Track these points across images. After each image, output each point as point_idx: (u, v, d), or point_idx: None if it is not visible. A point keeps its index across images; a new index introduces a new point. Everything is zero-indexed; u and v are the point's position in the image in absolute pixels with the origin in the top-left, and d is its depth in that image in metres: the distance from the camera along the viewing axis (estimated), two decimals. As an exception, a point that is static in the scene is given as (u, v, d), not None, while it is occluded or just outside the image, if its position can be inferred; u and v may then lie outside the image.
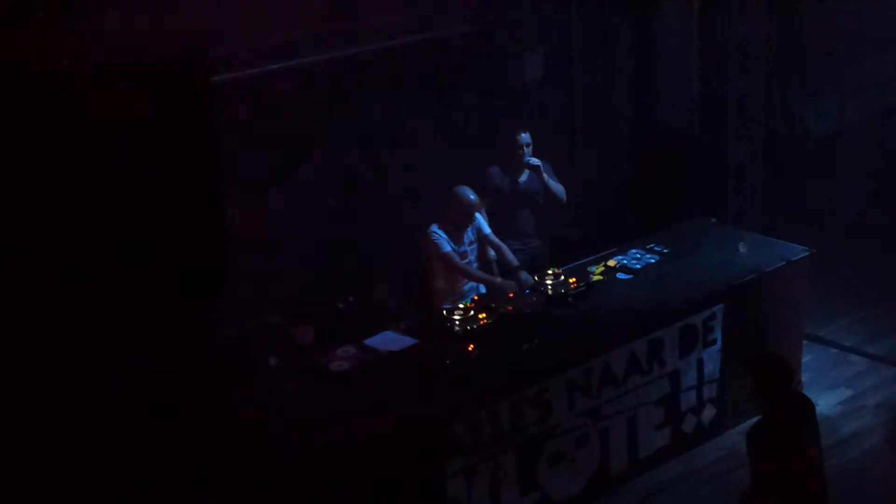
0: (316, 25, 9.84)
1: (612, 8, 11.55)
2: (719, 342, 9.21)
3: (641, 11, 11.75)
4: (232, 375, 7.32)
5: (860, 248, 11.80)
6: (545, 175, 10.01)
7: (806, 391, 9.22)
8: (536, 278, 9.25)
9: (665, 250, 9.79)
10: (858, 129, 12.07)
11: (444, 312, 8.78)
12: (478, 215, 9.49)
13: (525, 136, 9.95)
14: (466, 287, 9.50)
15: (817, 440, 7.00)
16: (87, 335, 5.85)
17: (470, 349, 8.52)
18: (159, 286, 6.00)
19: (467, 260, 9.48)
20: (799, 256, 9.62)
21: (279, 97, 9.63)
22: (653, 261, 9.65)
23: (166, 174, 6.07)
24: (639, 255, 9.72)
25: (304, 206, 9.90)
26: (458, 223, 9.39)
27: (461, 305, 8.80)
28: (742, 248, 9.72)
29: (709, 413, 9.32)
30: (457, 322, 8.66)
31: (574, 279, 9.20)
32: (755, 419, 7.00)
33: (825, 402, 9.66)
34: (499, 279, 9.47)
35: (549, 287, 9.11)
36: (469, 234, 9.48)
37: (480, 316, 8.72)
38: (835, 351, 10.62)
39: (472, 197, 9.34)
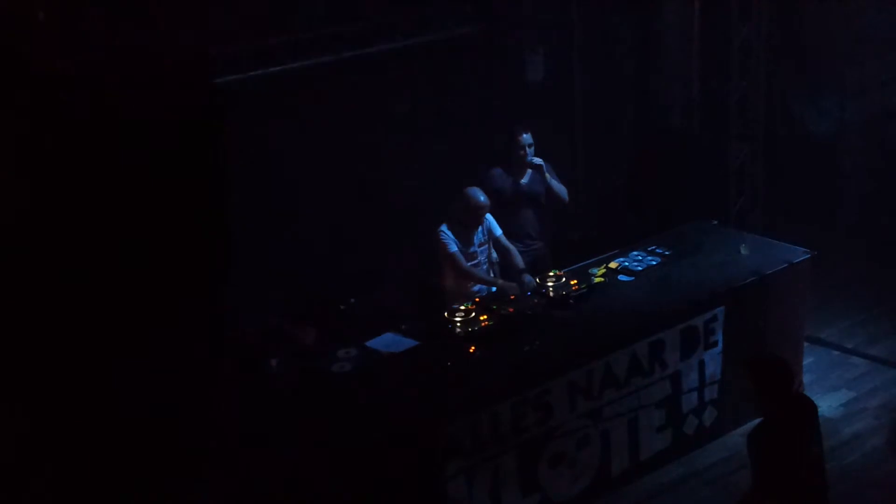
0: (317, 27, 9.84)
1: (613, 8, 11.55)
2: (720, 344, 9.20)
3: (642, 12, 11.77)
4: (233, 376, 7.30)
5: (861, 249, 11.78)
6: (547, 175, 10.00)
7: (807, 393, 9.19)
8: (538, 280, 9.24)
9: (666, 252, 9.78)
10: (859, 129, 12.06)
11: (446, 314, 8.76)
12: (489, 217, 9.50)
13: (527, 137, 9.94)
14: (476, 288, 9.50)
15: (819, 442, 6.99)
16: (87, 335, 5.85)
17: (471, 351, 8.51)
18: (159, 286, 6.00)
19: (476, 261, 9.48)
20: (800, 258, 9.61)
21: (280, 98, 9.62)
22: (654, 263, 9.64)
23: (166, 174, 6.07)
24: (640, 257, 9.71)
25: (305, 207, 9.90)
26: (466, 224, 9.40)
27: (462, 307, 8.78)
28: (743, 250, 9.71)
29: (710, 415, 9.31)
30: (458, 324, 8.65)
31: (575, 281, 9.19)
32: (756, 421, 6.98)
33: (826, 404, 9.65)
34: (500, 281, 9.46)
35: (551, 289, 9.11)
36: (479, 236, 9.48)
37: (482, 317, 8.71)
38: (836, 353, 10.61)
39: (481, 198, 9.34)
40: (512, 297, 9.12)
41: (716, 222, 10.40)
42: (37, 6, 5.80)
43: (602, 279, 9.36)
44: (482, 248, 9.54)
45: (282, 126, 9.66)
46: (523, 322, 8.80)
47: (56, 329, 5.80)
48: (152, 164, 6.00)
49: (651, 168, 11.88)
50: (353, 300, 9.58)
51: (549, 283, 9.14)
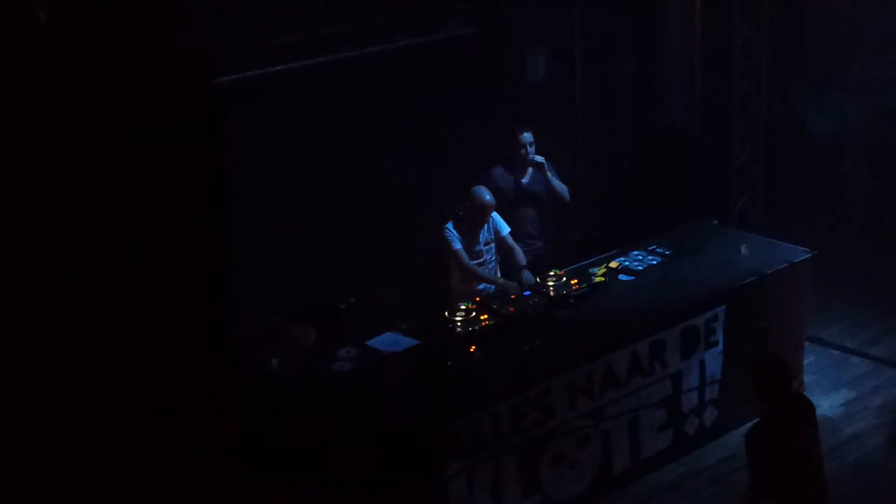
0: (317, 28, 9.84)
1: (614, 8, 11.55)
2: (721, 344, 9.20)
3: (643, 12, 11.76)
4: (233, 376, 7.30)
5: (863, 249, 11.78)
6: (549, 173, 10.01)
7: (808, 393, 9.22)
8: (538, 279, 9.24)
9: (667, 252, 9.79)
10: (860, 129, 12.05)
11: (446, 313, 8.76)
12: (496, 216, 9.51)
13: (527, 136, 9.96)
14: (481, 287, 9.51)
15: (817, 441, 6.98)
16: (87, 335, 5.84)
17: (472, 350, 8.51)
18: (159, 286, 6.00)
19: (482, 259, 9.51)
20: (801, 258, 9.62)
21: (280, 98, 9.62)
22: (655, 262, 9.65)
23: (166, 174, 6.07)
24: (641, 257, 9.72)
25: (305, 206, 9.90)
26: (471, 223, 9.42)
27: (463, 306, 8.78)
28: (744, 250, 9.71)
29: (710, 414, 9.31)
30: (458, 323, 8.65)
31: (576, 280, 9.20)
32: (755, 420, 6.98)
33: (827, 404, 9.65)
34: (502, 280, 9.48)
35: (551, 288, 9.11)
36: (485, 234, 9.51)
37: (482, 317, 8.72)
38: (837, 353, 10.61)
39: (487, 197, 9.37)
40: (513, 296, 9.13)
41: (716, 222, 10.40)
42: (38, 6, 5.80)
43: (602, 279, 9.36)
44: (488, 247, 9.56)
45: (282, 126, 9.67)
46: (524, 321, 8.81)
47: (56, 329, 5.79)
48: (152, 164, 5.99)
49: (652, 168, 11.88)
50: (353, 299, 9.58)
51: (550, 283, 9.15)
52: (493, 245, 9.60)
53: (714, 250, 9.83)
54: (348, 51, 9.93)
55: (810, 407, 7.06)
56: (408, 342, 8.61)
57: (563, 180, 10.17)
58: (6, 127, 5.71)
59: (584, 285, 9.18)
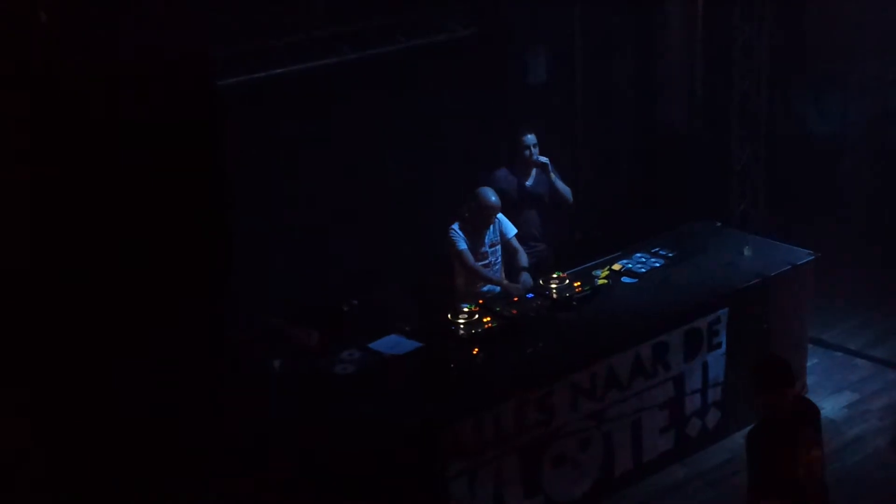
0: (318, 29, 9.83)
1: (614, 8, 11.53)
2: (724, 346, 9.18)
3: (643, 12, 11.74)
4: (234, 377, 7.29)
5: (865, 250, 11.75)
6: (552, 174, 10.00)
7: (811, 395, 9.20)
8: (541, 282, 9.23)
9: (670, 254, 9.77)
10: (862, 130, 12.03)
11: (449, 316, 8.75)
12: (502, 218, 9.50)
13: (531, 137, 9.96)
14: (486, 288, 9.50)
15: (819, 444, 6.95)
16: (87, 335, 5.84)
17: (474, 352, 8.50)
18: (159, 286, 5.99)
19: (487, 261, 9.51)
20: (804, 260, 9.60)
21: (281, 100, 9.61)
22: (657, 265, 9.63)
23: (167, 175, 6.06)
24: (643, 259, 9.70)
25: (306, 208, 9.88)
26: (477, 224, 9.42)
27: (465, 308, 8.77)
28: (747, 252, 9.70)
29: (713, 416, 9.29)
30: (461, 325, 8.64)
31: (579, 283, 9.18)
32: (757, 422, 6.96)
33: (830, 406, 9.63)
34: (505, 282, 9.47)
35: (554, 291, 9.09)
36: (491, 236, 9.50)
37: (485, 319, 8.70)
38: (840, 355, 10.59)
39: (492, 199, 9.37)
40: (515, 298, 9.11)
41: (719, 224, 10.38)
42: (38, 6, 5.79)
43: (605, 281, 9.35)
44: (493, 249, 9.56)
45: (283, 127, 9.65)
46: (526, 324, 8.80)
47: (56, 329, 5.79)
48: (152, 164, 5.99)
49: (652, 168, 11.87)
50: (355, 301, 9.56)
51: (553, 285, 9.13)
52: (498, 247, 9.59)
53: (717, 252, 9.81)
54: (349, 52, 9.91)
55: (814, 410, 7.03)
56: (410, 345, 8.61)
57: (563, 181, 10.15)
58: (6, 127, 5.71)
59: (587, 287, 9.17)
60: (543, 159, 9.98)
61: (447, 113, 10.55)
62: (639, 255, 9.77)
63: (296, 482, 7.25)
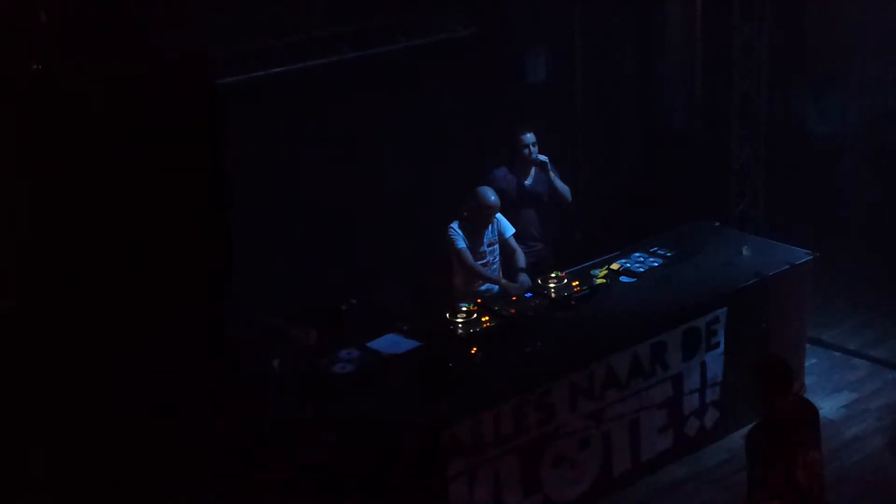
0: (317, 28, 9.83)
1: (614, 8, 11.54)
2: (722, 345, 9.18)
3: (643, 12, 11.74)
4: (234, 377, 7.30)
5: (864, 250, 11.75)
6: (552, 174, 10.00)
7: (809, 395, 9.19)
8: (539, 281, 9.23)
9: (668, 253, 9.77)
10: (862, 129, 12.03)
11: (448, 315, 8.75)
12: (501, 217, 9.50)
13: (530, 136, 9.95)
14: (484, 287, 9.50)
15: (818, 444, 6.95)
16: (87, 335, 5.84)
17: (473, 352, 8.50)
18: (159, 286, 5.99)
19: (485, 260, 9.50)
20: (802, 260, 9.60)
21: (281, 99, 9.61)
22: (656, 264, 9.63)
23: (167, 175, 6.06)
24: (642, 259, 9.70)
25: (305, 207, 9.89)
26: (475, 223, 9.42)
27: (464, 308, 8.77)
28: (745, 252, 9.70)
29: (711, 416, 9.29)
30: (460, 325, 8.64)
31: (577, 282, 9.18)
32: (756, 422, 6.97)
33: (828, 406, 9.63)
34: (504, 281, 9.47)
35: (553, 290, 9.10)
36: (489, 235, 9.50)
37: (483, 319, 8.70)
38: (838, 354, 10.59)
39: (491, 198, 9.36)
40: (514, 297, 9.11)
41: (718, 223, 10.38)
42: (38, 6, 5.80)
43: (604, 280, 9.34)
44: (492, 248, 9.55)
45: (282, 127, 9.65)
46: (525, 323, 8.79)
47: (56, 329, 5.80)
48: (152, 164, 6.00)
49: (652, 168, 11.87)
50: (354, 300, 9.56)
51: (551, 285, 9.13)
52: (496, 246, 9.59)
53: (715, 252, 9.81)
54: (349, 52, 9.92)
55: (813, 410, 7.03)
56: (409, 344, 8.60)
57: (563, 180, 10.15)
58: (6, 127, 5.71)
59: (586, 287, 9.17)
60: (543, 158, 9.98)
61: (447, 113, 10.56)
62: (637, 254, 9.77)
63: (296, 482, 7.25)
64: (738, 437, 8.95)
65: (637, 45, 11.90)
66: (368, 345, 8.57)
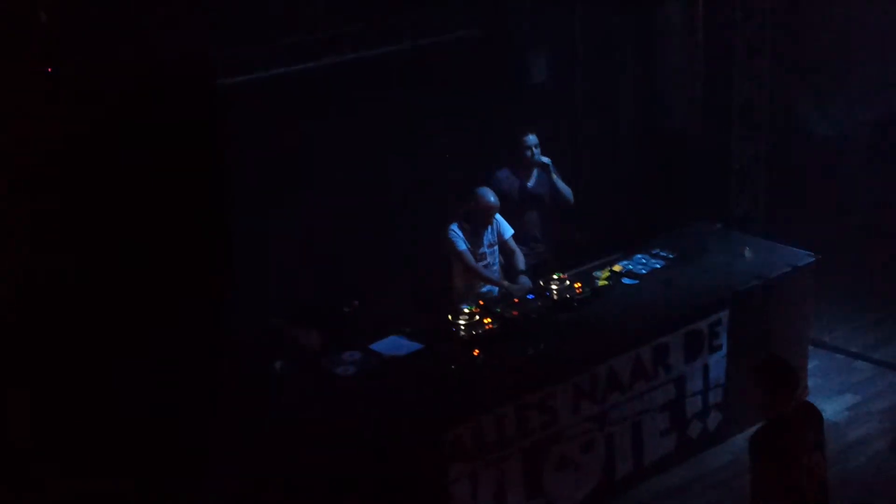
0: (319, 30, 9.83)
1: (615, 9, 11.53)
2: (725, 347, 9.17)
3: (643, 12, 11.74)
4: (237, 379, 7.28)
5: (866, 252, 11.74)
6: (554, 175, 9.98)
7: (812, 397, 9.19)
8: (541, 283, 9.21)
9: (670, 255, 9.76)
10: (864, 131, 12.02)
11: (450, 317, 8.73)
12: (500, 218, 9.49)
13: (532, 138, 9.94)
14: (485, 288, 9.48)
15: (822, 447, 6.92)
16: (87, 335, 5.82)
17: (475, 354, 8.48)
18: (159, 286, 5.98)
19: (485, 262, 9.48)
20: (805, 262, 9.60)
21: (283, 100, 9.60)
22: (658, 266, 9.62)
23: (168, 175, 6.05)
24: (644, 261, 9.70)
25: (308, 208, 9.88)
26: (475, 224, 9.40)
27: (466, 310, 8.75)
28: (748, 254, 9.69)
29: (714, 418, 9.28)
30: (462, 327, 8.62)
31: (579, 284, 9.17)
32: (759, 424, 6.94)
33: (831, 408, 9.61)
34: (506, 283, 9.46)
35: (555, 292, 9.08)
36: (489, 236, 9.48)
37: (486, 321, 8.68)
38: (841, 357, 10.58)
39: (491, 199, 9.34)
40: (516, 299, 9.10)
41: (720, 225, 10.37)
42: (38, 6, 5.78)
43: (606, 282, 9.34)
44: (492, 249, 9.54)
45: (284, 127, 9.64)
46: (527, 325, 8.78)
47: (56, 329, 5.78)
48: (153, 164, 5.98)
49: (654, 170, 11.85)
50: (356, 302, 9.54)
51: (553, 286, 9.11)
52: (496, 248, 9.57)
53: (717, 254, 9.81)
54: (350, 53, 9.92)
55: (816, 413, 7.00)
56: (411, 346, 8.60)
57: (564, 181, 10.14)
58: (6, 127, 5.70)
59: (588, 289, 9.16)
60: (545, 160, 9.97)
61: (448, 113, 10.54)
62: (639, 256, 9.77)
63: (296, 483, 7.23)
64: (741, 439, 8.94)
65: (637, 45, 11.89)
66: (370, 347, 8.57)
